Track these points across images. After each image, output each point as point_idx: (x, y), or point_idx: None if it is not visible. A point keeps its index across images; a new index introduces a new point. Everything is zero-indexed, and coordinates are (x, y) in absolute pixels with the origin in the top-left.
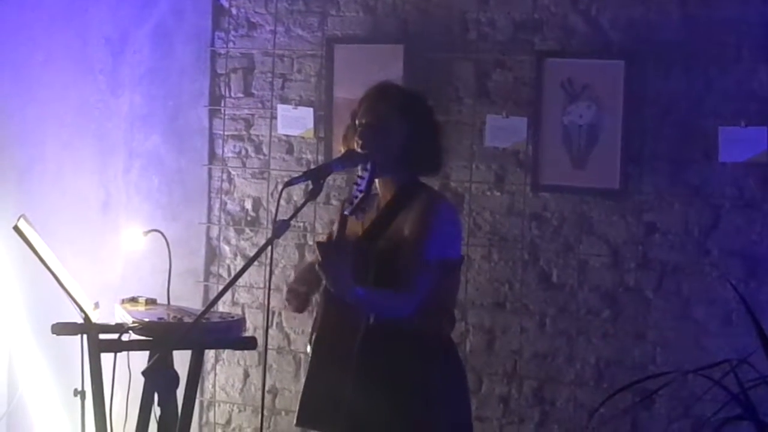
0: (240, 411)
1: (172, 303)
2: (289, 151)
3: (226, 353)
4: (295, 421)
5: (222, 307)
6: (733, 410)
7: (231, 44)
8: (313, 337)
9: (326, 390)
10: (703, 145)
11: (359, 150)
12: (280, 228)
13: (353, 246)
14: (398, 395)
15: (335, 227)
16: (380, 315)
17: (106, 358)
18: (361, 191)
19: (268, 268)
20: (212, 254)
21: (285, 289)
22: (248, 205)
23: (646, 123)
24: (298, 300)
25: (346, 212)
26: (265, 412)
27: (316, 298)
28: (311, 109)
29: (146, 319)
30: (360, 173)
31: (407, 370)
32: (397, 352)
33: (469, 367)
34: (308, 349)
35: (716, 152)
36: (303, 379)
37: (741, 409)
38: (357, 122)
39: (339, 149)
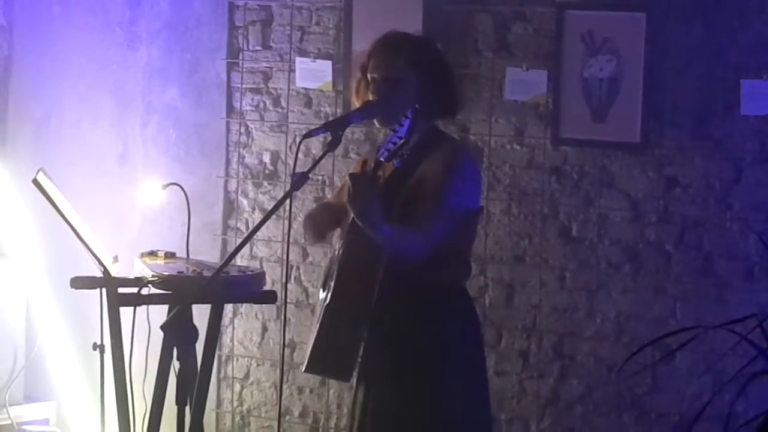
0: (258, 365)
1: (190, 257)
2: (308, 104)
3: (244, 307)
4: (303, 368)
5: (240, 260)
6: (758, 365)
7: None
8: (330, 285)
9: (341, 339)
10: (725, 99)
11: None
12: (299, 181)
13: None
14: (412, 343)
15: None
16: (396, 254)
17: (125, 312)
18: (400, 137)
19: (286, 222)
20: (230, 208)
21: (302, 216)
22: (266, 158)
23: (667, 76)
24: (314, 226)
25: (381, 158)
26: (284, 366)
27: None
28: (330, 62)
29: (166, 273)
30: (398, 121)
31: (422, 318)
32: (413, 301)
33: (488, 322)
34: (321, 294)
35: (738, 105)
36: (314, 326)
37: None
38: (369, 76)
39: (353, 102)
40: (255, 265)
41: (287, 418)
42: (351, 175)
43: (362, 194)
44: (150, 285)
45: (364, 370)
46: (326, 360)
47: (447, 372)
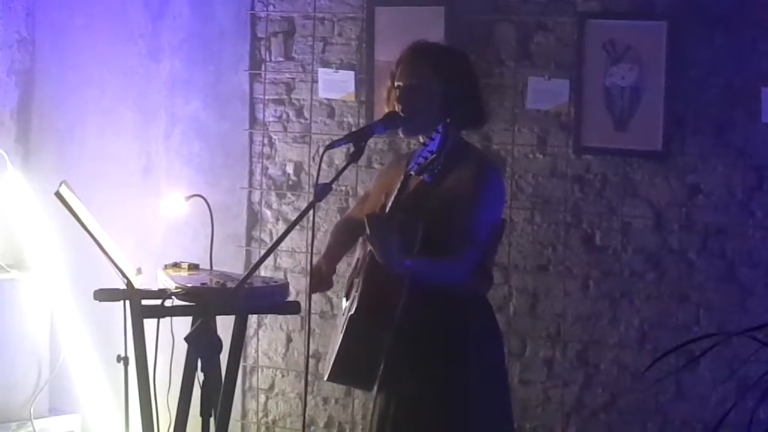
0: (283, 376)
1: (214, 268)
2: (331, 114)
3: (268, 318)
4: (326, 377)
5: (264, 271)
6: None
7: (271, 8)
8: (354, 295)
9: (364, 349)
10: (747, 106)
11: (400, 113)
12: (322, 191)
13: (405, 203)
14: (434, 353)
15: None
16: (431, 283)
17: (149, 324)
18: (431, 152)
19: (310, 232)
20: (254, 219)
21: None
22: (290, 169)
23: (688, 84)
24: (319, 282)
25: (412, 171)
26: (309, 377)
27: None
28: (352, 73)
29: (189, 285)
30: (422, 140)
31: (444, 329)
32: (435, 312)
33: (512, 331)
34: (344, 303)
35: (759, 113)
36: (337, 335)
37: None
38: (395, 85)
39: (384, 110)
40: (279, 275)
41: (312, 428)
42: (367, 217)
43: (379, 235)
44: (173, 297)
45: (384, 379)
46: (349, 369)
47: (468, 382)
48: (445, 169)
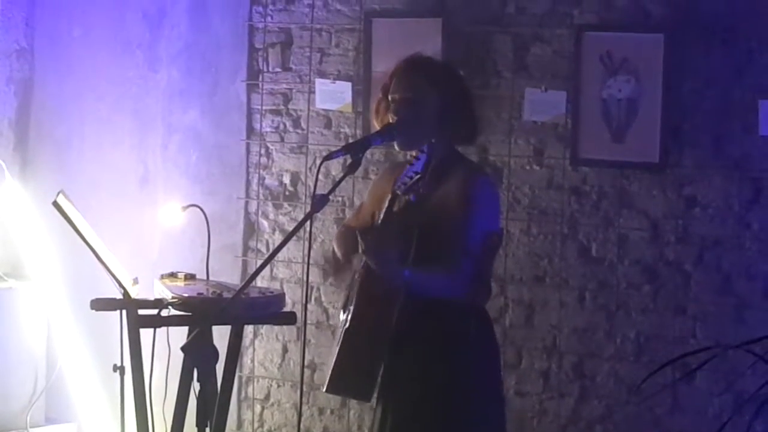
0: (279, 386)
1: (210, 278)
2: (328, 125)
3: (264, 328)
4: (325, 388)
5: (260, 282)
6: None
7: (269, 18)
8: (351, 308)
9: (361, 360)
10: (744, 119)
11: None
12: (319, 202)
13: (395, 219)
14: (431, 364)
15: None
16: (428, 296)
17: (146, 334)
18: (416, 172)
19: (306, 243)
20: (251, 229)
21: (322, 260)
22: (286, 179)
23: (685, 96)
24: (337, 269)
25: (398, 191)
26: (304, 387)
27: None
28: (349, 84)
29: (185, 295)
30: (414, 154)
31: (442, 340)
32: (432, 321)
33: (508, 342)
34: (341, 316)
35: (757, 126)
36: (334, 347)
37: None
38: (390, 97)
39: (373, 124)
40: (275, 286)
41: None
42: (360, 233)
43: (374, 249)
44: (170, 306)
45: (383, 390)
46: (347, 380)
47: (464, 392)
48: (435, 183)
